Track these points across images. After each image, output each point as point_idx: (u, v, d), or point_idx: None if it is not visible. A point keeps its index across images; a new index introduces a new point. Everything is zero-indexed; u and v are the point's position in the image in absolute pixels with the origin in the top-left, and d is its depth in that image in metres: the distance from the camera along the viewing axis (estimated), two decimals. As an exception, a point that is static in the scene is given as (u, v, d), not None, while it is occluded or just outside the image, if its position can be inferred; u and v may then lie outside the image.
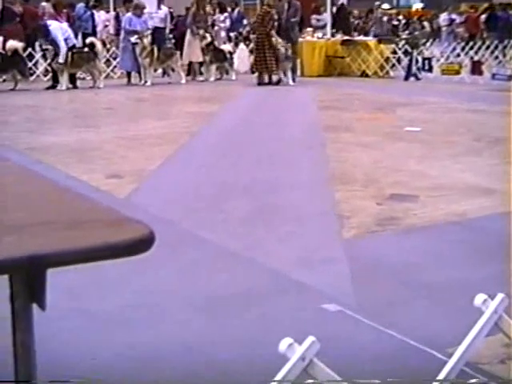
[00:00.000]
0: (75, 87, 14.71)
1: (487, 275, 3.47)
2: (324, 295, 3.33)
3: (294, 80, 15.35)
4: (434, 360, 2.59)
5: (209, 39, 16.27)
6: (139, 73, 15.74)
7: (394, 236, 4.39)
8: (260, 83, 15.33)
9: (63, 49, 14.13)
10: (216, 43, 16.75)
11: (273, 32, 15.05)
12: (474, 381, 1.50)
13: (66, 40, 14.26)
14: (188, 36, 16.20)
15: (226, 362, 2.66)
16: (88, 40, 15.08)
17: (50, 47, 14.24)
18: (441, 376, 1.41)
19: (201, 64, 16.72)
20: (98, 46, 15.16)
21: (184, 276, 3.64)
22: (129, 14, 15.82)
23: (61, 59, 14.14)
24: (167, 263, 3.77)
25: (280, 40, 15.01)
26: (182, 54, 16.41)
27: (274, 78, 15.41)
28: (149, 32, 15.61)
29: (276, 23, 15.23)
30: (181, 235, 4.34)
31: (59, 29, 14.20)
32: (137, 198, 5.25)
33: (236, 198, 5.29)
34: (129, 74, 15.85)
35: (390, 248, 4.16)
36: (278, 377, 1.10)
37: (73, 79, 14.83)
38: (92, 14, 17.04)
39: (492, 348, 2.65)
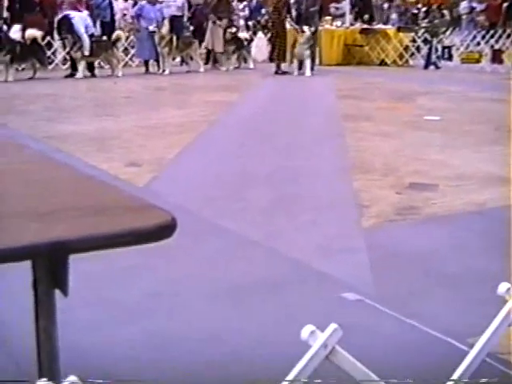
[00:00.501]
0: (93, 76, 14.75)
1: (508, 265, 3.43)
2: (343, 284, 3.32)
3: (312, 69, 15.26)
4: (456, 350, 2.57)
5: (233, 30, 16.26)
6: (157, 61, 15.75)
7: (414, 225, 4.36)
8: (277, 72, 15.27)
9: (86, 41, 14.18)
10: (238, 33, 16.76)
11: (288, 20, 14.99)
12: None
13: (85, 28, 14.30)
14: (210, 25, 16.17)
15: (248, 351, 2.66)
16: (114, 35, 15.12)
17: (68, 36, 14.27)
18: (462, 367, 1.39)
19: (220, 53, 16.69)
20: (123, 37, 15.27)
21: (205, 265, 3.64)
22: (143, 2, 15.84)
23: (86, 52, 14.20)
24: (188, 252, 3.77)
25: (298, 27, 14.93)
26: (200, 43, 16.40)
27: (284, 68, 15.35)
28: (165, 21, 15.58)
29: (293, 12, 15.17)
30: (201, 224, 4.34)
31: (81, 21, 14.23)
32: (156, 187, 5.26)
33: (256, 187, 5.28)
34: (146, 63, 15.86)
35: (409, 237, 4.13)
36: (300, 364, 1.09)
37: (91, 68, 14.87)
38: (110, 3, 17.02)
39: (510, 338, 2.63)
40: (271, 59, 16.13)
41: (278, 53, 15.27)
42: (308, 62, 15.07)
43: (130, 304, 3.11)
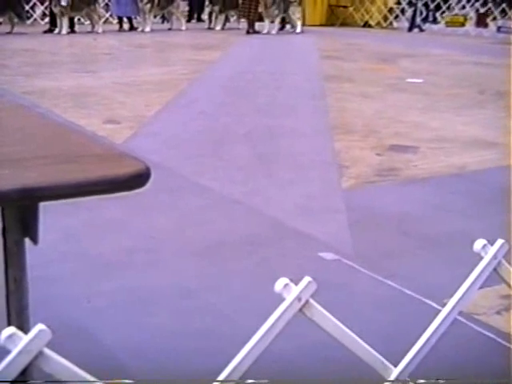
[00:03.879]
0: (73, 32, 14.50)
1: (487, 226, 3.45)
2: (322, 243, 3.32)
3: (292, 27, 15.18)
4: (431, 310, 2.58)
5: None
6: (129, 18, 15.46)
7: (394, 187, 4.36)
8: (248, 31, 15.12)
9: None
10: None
11: None
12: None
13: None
14: None
15: (222, 305, 2.66)
16: None
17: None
18: (433, 325, 1.38)
19: (202, 10, 16.48)
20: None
21: (184, 222, 3.62)
22: None
23: (63, 2, 13.87)
24: (166, 209, 3.75)
25: None
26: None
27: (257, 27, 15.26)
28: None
29: None
30: (180, 182, 4.31)
31: None
32: (135, 144, 5.20)
33: (236, 146, 5.25)
34: (120, 20, 15.59)
35: (389, 198, 4.13)
36: (274, 316, 1.08)
37: (71, 23, 14.62)
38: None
39: (489, 299, 2.65)
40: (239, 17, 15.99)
41: (248, 11, 15.09)
42: (299, 22, 15.04)
43: (106, 259, 3.08)
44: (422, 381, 1.35)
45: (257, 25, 15.45)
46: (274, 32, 15.02)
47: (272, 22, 15.31)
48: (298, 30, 15.20)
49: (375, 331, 2.25)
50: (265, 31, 15.08)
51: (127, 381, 1.68)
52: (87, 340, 2.34)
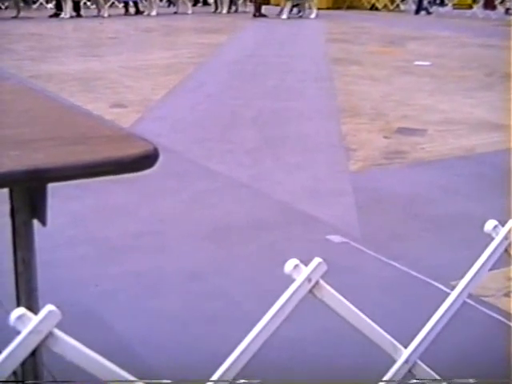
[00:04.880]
0: (79, 16, 14.46)
1: (495, 207, 3.43)
2: (329, 226, 3.31)
3: (299, 12, 15.07)
4: (439, 292, 2.58)
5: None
6: (135, 2, 15.41)
7: (401, 169, 4.34)
8: (254, 15, 15.04)
9: None
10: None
11: None
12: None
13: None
14: None
15: (230, 289, 2.66)
16: None
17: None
18: (442, 308, 1.38)
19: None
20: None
21: (191, 206, 3.61)
22: None
23: None
24: (174, 193, 3.75)
25: None
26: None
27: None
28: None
29: None
30: (187, 165, 4.30)
31: None
32: (142, 128, 5.19)
33: (243, 129, 5.23)
34: (126, 4, 15.53)
35: (396, 181, 4.12)
36: (284, 297, 1.07)
37: (77, 7, 14.57)
38: None
39: (497, 281, 2.64)
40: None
41: None
42: (313, 5, 14.98)
43: (114, 243, 3.09)
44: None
45: (263, 8, 15.39)
46: (284, 16, 14.90)
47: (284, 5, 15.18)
48: (313, 15, 15.03)
49: (384, 313, 2.25)
50: (284, 16, 14.94)
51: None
52: (95, 324, 2.35)
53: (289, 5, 15.13)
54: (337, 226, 3.33)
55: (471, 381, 1.37)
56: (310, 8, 15.41)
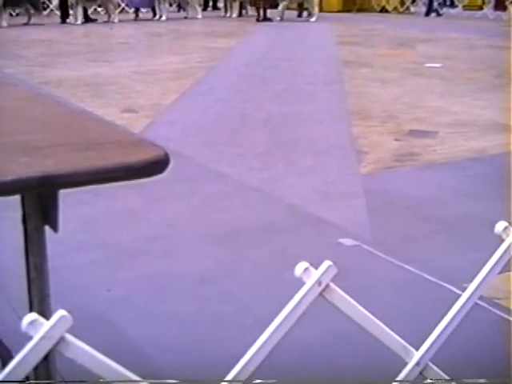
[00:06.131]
0: (89, 21, 14.53)
1: (505, 209, 3.41)
2: (341, 229, 3.31)
3: (309, 15, 15.09)
4: (451, 295, 2.57)
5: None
6: (153, 9, 15.49)
7: (412, 172, 4.34)
8: (257, 19, 15.05)
9: None
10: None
11: None
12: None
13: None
14: None
15: (240, 292, 2.66)
16: None
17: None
18: (453, 310, 1.38)
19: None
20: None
21: (202, 210, 3.62)
22: None
23: None
24: (185, 197, 3.76)
25: None
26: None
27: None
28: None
29: None
30: (198, 169, 4.31)
31: None
32: (152, 133, 5.21)
33: (254, 133, 5.24)
34: (137, 11, 15.59)
35: (407, 183, 4.11)
36: (294, 301, 1.07)
37: (85, 14, 14.64)
38: None
39: (509, 283, 2.63)
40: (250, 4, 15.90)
41: None
42: (316, 9, 15.00)
43: (125, 247, 3.10)
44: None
45: (268, 12, 15.40)
46: (278, 19, 14.94)
47: (287, 8, 15.22)
48: (313, 19, 15.05)
49: (396, 315, 2.24)
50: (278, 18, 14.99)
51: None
52: (107, 328, 2.36)
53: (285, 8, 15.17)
54: (348, 228, 3.32)
55: (482, 381, 1.37)
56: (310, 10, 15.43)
